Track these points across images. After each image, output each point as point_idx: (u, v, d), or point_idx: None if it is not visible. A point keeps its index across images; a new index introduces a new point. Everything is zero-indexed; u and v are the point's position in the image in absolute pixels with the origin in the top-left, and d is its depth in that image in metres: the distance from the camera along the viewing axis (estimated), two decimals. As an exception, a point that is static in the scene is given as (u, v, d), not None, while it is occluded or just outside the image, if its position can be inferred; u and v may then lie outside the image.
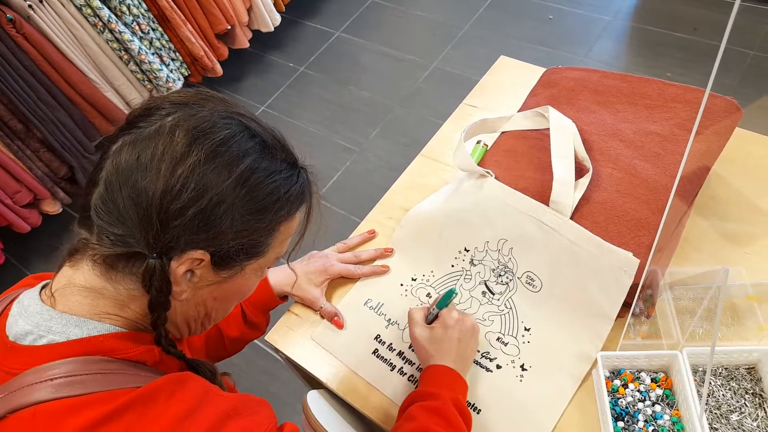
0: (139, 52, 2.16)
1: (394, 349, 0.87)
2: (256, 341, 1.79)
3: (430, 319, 0.82)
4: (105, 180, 0.49)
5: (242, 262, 0.55)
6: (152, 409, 0.47)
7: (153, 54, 2.26)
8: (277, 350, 0.91)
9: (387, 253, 0.97)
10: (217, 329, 0.85)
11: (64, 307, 0.52)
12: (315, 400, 0.81)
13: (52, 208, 2.16)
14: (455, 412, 0.68)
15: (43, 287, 0.55)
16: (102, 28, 2.07)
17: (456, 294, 0.81)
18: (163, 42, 2.31)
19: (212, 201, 0.49)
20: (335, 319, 0.90)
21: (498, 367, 0.83)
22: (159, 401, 0.47)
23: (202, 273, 0.53)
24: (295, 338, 0.91)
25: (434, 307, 0.82)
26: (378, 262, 0.97)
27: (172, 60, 2.37)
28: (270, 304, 0.90)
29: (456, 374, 0.74)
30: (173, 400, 0.48)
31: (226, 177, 0.50)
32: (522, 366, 0.82)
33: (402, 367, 0.85)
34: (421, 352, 0.79)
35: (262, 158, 0.53)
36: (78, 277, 0.52)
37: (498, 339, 0.85)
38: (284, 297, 0.92)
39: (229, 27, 2.49)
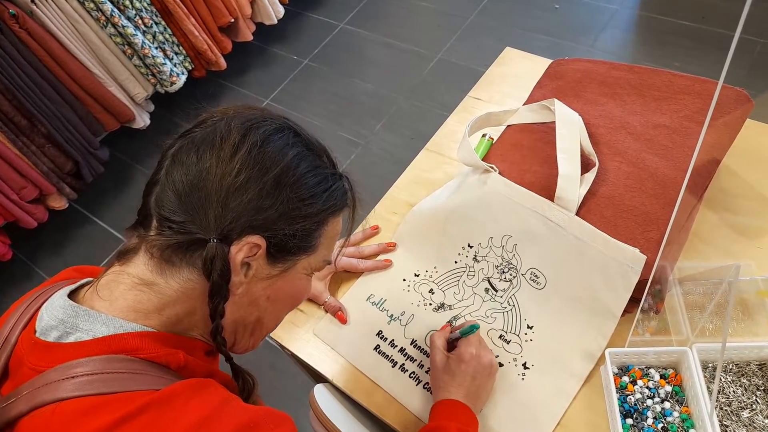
0: (142, 46, 2.15)
1: (396, 346, 0.86)
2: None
3: (450, 340, 0.81)
4: (166, 175, 0.52)
5: (295, 256, 0.57)
6: (167, 414, 0.45)
7: (156, 48, 2.25)
8: (282, 346, 0.91)
9: (390, 247, 0.97)
10: None
11: (105, 299, 0.52)
12: (322, 393, 0.81)
13: (58, 203, 2.17)
14: None
15: (81, 285, 0.56)
16: (105, 23, 2.06)
17: (478, 329, 0.78)
18: (167, 36, 2.30)
19: (267, 182, 0.52)
20: (339, 314, 0.90)
21: (500, 365, 0.82)
22: (175, 406, 0.46)
23: (257, 265, 0.54)
24: (300, 335, 0.91)
25: (457, 332, 0.80)
26: (381, 257, 0.96)
27: (176, 54, 2.36)
28: None
29: (466, 409, 0.72)
30: (190, 405, 0.47)
31: (280, 160, 0.53)
32: (524, 364, 0.81)
33: (404, 364, 0.84)
34: (435, 380, 0.77)
35: (308, 152, 0.56)
36: (130, 269, 0.53)
37: (500, 337, 0.84)
38: None
39: (233, 20, 2.47)
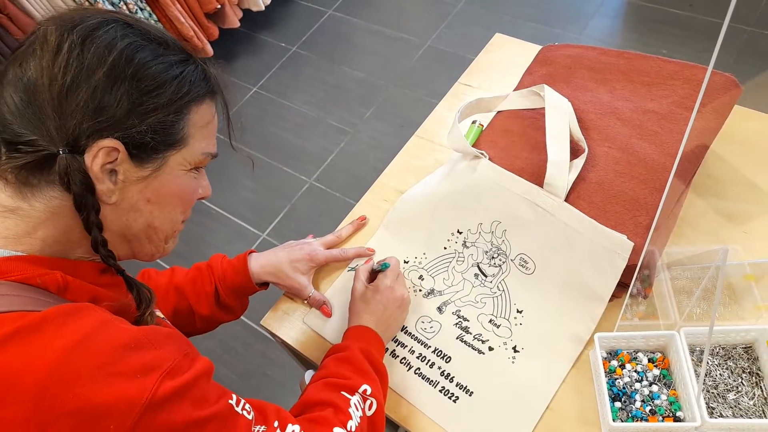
0: (127, 32, 2.12)
1: (388, 333, 0.86)
2: (252, 324, 1.79)
3: (373, 271, 0.88)
4: None
5: (161, 153, 0.55)
6: (38, 340, 0.43)
7: (141, 34, 2.22)
8: (273, 334, 0.91)
9: (362, 222, 0.99)
10: (188, 304, 0.83)
11: None
12: None
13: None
14: (362, 358, 0.72)
15: None
16: (88, 8, 2.02)
17: (389, 267, 0.85)
18: (152, 22, 2.26)
19: (100, 80, 0.50)
20: (323, 308, 0.89)
21: (490, 349, 0.82)
22: (47, 332, 0.44)
23: (124, 169, 0.53)
24: (290, 322, 0.90)
25: (378, 264, 0.87)
26: (368, 244, 0.96)
27: (162, 40, 2.33)
28: (245, 288, 0.87)
29: (373, 333, 0.78)
30: (64, 330, 0.44)
31: (108, 54, 0.51)
32: (514, 348, 0.82)
33: (395, 350, 0.84)
34: (352, 307, 0.83)
35: (145, 41, 0.54)
36: None
37: (490, 321, 0.85)
38: (264, 284, 0.90)
39: (219, 6, 2.44)
